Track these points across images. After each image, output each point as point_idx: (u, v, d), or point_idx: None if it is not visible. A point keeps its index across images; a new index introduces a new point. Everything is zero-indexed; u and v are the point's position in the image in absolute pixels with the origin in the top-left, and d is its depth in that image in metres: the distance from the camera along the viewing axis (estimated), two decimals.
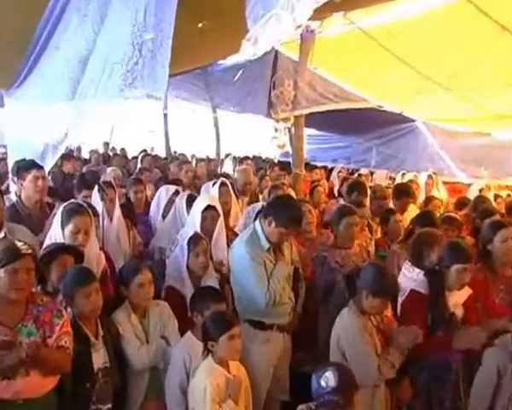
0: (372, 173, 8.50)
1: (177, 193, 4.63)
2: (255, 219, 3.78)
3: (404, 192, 5.32)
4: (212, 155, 11.44)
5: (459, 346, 3.02)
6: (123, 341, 2.94)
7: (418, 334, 2.87)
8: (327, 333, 3.08)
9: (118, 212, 4.10)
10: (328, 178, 8.49)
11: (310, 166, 8.18)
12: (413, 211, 5.18)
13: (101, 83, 3.35)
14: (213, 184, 4.67)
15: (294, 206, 3.42)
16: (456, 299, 3.15)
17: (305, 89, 6.26)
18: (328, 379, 2.18)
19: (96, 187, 4.00)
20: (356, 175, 7.97)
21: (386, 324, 3.07)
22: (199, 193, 4.94)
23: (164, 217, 4.54)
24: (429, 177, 6.78)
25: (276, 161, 10.69)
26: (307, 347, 3.89)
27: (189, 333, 2.99)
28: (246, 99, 7.99)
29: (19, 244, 2.44)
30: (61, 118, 3.82)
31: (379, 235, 4.88)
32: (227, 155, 10.34)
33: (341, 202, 5.78)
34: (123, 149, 12.44)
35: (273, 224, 3.30)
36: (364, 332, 2.86)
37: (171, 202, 4.57)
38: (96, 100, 3.38)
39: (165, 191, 4.72)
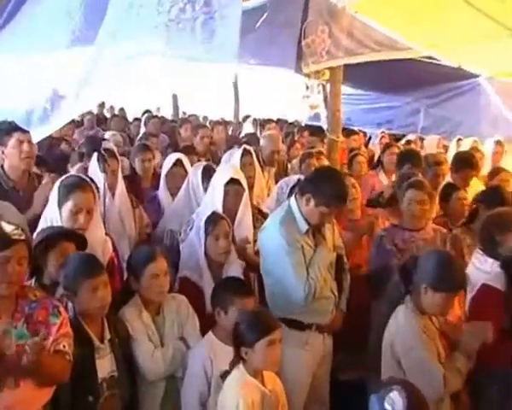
0: (422, 140, 8.26)
1: (179, 164, 4.62)
2: (289, 196, 3.78)
3: (465, 162, 5.19)
4: (228, 118, 11.32)
5: None
6: (133, 344, 2.88)
7: (487, 329, 2.79)
8: (378, 335, 3.00)
9: (121, 186, 4.09)
10: (366, 145, 8.34)
11: (347, 131, 8.02)
12: (476, 186, 5.02)
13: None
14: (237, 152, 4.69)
15: (338, 180, 3.36)
16: None
17: (341, 37, 6.07)
18: (395, 402, 2.05)
19: (95, 156, 3.92)
20: (403, 142, 7.81)
21: (451, 326, 3.00)
22: (215, 163, 4.91)
23: (172, 194, 4.55)
24: (497, 144, 6.57)
25: (303, 124, 10.57)
26: (350, 348, 3.88)
27: (209, 334, 2.97)
28: (269, 49, 7.77)
29: (8, 228, 2.34)
30: (56, 72, 3.67)
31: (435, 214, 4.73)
32: (246, 118, 10.23)
33: (382, 173, 5.65)
34: (122, 110, 12.38)
35: (312, 202, 3.29)
36: (425, 336, 2.77)
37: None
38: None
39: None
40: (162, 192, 4.60)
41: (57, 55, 3.59)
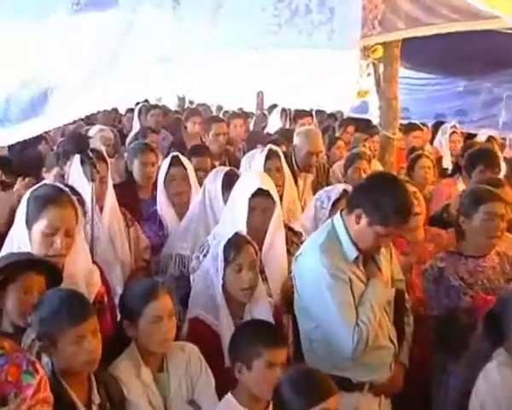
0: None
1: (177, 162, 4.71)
2: (332, 211, 3.85)
3: None
4: (249, 107, 11.38)
5: None
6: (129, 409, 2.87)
7: None
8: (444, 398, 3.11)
9: (111, 198, 4.12)
10: (430, 143, 8.30)
11: (405, 126, 7.96)
12: None
13: None
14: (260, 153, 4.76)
15: (400, 189, 3.34)
16: None
17: (401, 1, 6.02)
18: None
19: (78, 159, 3.97)
20: (483, 139, 7.76)
21: None
22: (234, 167, 4.97)
23: (175, 206, 4.58)
24: None
25: (345, 116, 10.57)
26: None
27: (228, 396, 2.97)
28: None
29: None
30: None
31: None
32: (272, 108, 10.25)
33: (461, 182, 5.61)
34: None
35: (364, 220, 3.28)
36: None
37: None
38: None
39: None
40: (163, 205, 4.65)
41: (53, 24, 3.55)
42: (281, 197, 4.52)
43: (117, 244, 4.06)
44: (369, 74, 6.48)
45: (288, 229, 4.20)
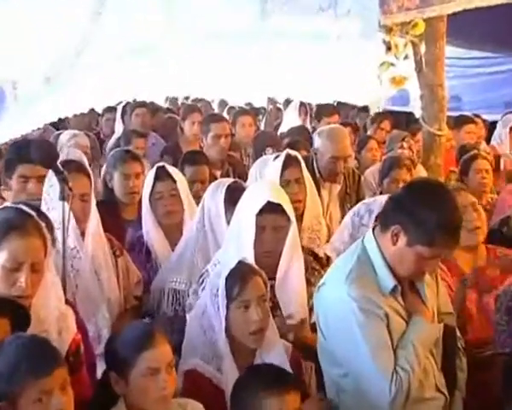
0: None
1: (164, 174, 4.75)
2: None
3: None
4: (259, 102, 11.43)
5: None
6: None
7: None
8: None
9: (95, 221, 4.19)
10: (487, 141, 8.33)
11: (456, 119, 7.95)
12: None
13: None
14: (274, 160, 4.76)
15: (446, 200, 3.36)
16: None
17: None
18: None
19: (50, 174, 4.00)
20: None
21: None
22: (241, 178, 5.07)
23: (164, 228, 4.66)
24: None
25: (380, 110, 10.59)
26: None
27: None
28: None
29: None
30: None
31: None
32: (288, 102, 10.29)
33: None
34: None
35: (403, 239, 3.30)
36: None
37: None
38: None
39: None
40: (150, 229, 4.70)
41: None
42: (301, 215, 4.61)
43: (103, 278, 4.12)
44: (406, 57, 6.48)
45: (312, 255, 4.25)
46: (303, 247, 4.27)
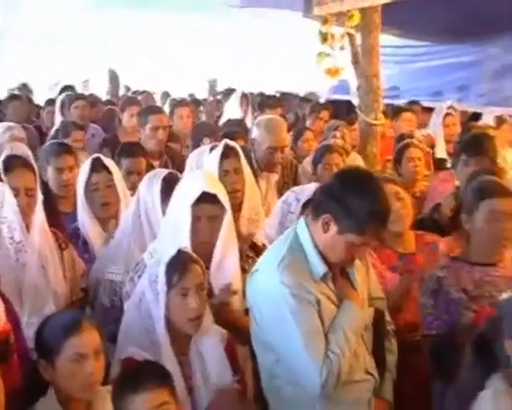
0: None
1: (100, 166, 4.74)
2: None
3: None
4: (202, 94, 11.43)
5: None
6: None
7: None
8: None
9: (40, 214, 4.18)
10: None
11: (393, 108, 8.06)
12: None
13: None
14: (211, 151, 4.74)
15: (374, 189, 3.40)
16: None
17: None
18: None
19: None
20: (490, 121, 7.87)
21: None
22: (179, 168, 5.05)
23: (101, 220, 4.66)
24: None
25: (322, 100, 10.65)
26: None
27: None
28: None
29: None
30: None
31: None
32: (229, 92, 10.29)
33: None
34: (24, 86, 12.41)
35: (333, 227, 3.34)
36: None
37: None
38: None
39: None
40: (85, 221, 4.68)
41: None
42: (240, 204, 4.59)
43: (49, 271, 4.08)
44: (342, 47, 6.53)
45: (250, 244, 4.30)
46: (241, 235, 4.32)
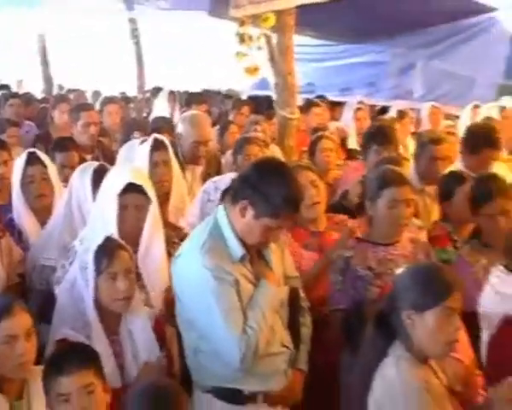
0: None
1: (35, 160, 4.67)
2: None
3: (483, 139, 5.37)
4: (132, 91, 11.35)
5: None
6: None
7: None
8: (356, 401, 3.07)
9: None
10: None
11: (305, 103, 8.13)
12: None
13: None
14: (141, 144, 4.77)
15: (287, 177, 3.43)
16: None
17: None
18: None
19: None
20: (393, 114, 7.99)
21: (462, 381, 3.07)
22: (110, 161, 5.03)
23: (36, 211, 4.58)
24: None
25: (244, 97, 10.68)
26: None
27: None
28: None
29: None
30: None
31: (434, 218, 4.98)
32: (157, 90, 10.25)
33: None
34: None
35: (250, 212, 3.36)
36: (428, 395, 2.82)
37: None
38: None
39: None
40: (20, 212, 4.61)
41: None
42: (168, 194, 4.63)
43: None
44: (260, 47, 6.54)
45: (175, 230, 4.28)
46: (168, 222, 4.35)
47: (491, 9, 8.71)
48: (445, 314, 2.87)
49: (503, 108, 7.35)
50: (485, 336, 3.40)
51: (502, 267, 3.55)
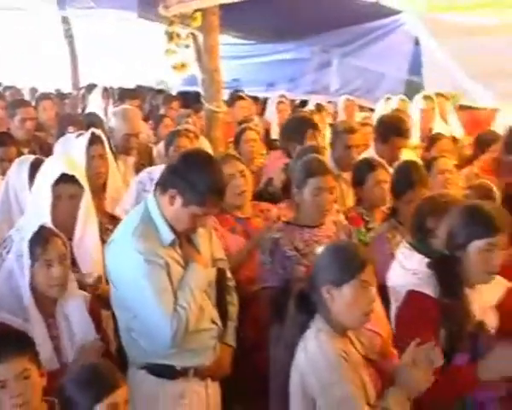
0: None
1: None
2: None
3: (392, 129, 5.46)
4: (67, 88, 11.17)
5: (488, 375, 3.07)
6: None
7: (436, 354, 2.90)
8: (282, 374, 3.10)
9: None
10: (261, 114, 8.57)
11: (230, 97, 8.12)
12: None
13: None
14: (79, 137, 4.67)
15: (212, 167, 3.44)
16: (485, 298, 3.22)
17: None
18: None
19: None
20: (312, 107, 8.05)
21: (380, 352, 3.14)
22: (46, 154, 4.90)
23: None
24: (426, 99, 7.03)
25: (173, 92, 10.61)
26: (247, 397, 4.08)
27: None
28: None
29: None
30: None
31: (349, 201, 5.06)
32: (91, 87, 10.12)
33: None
34: None
35: (178, 201, 3.35)
36: (346, 364, 2.86)
37: None
38: None
39: None
40: None
41: None
42: (104, 185, 4.60)
43: None
44: (188, 46, 6.50)
45: (109, 219, 4.25)
46: (105, 211, 4.34)
47: (396, 12, 8.90)
48: (360, 287, 2.90)
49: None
50: (393, 308, 3.43)
51: (407, 245, 3.61)
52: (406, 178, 4.43)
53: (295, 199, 4.23)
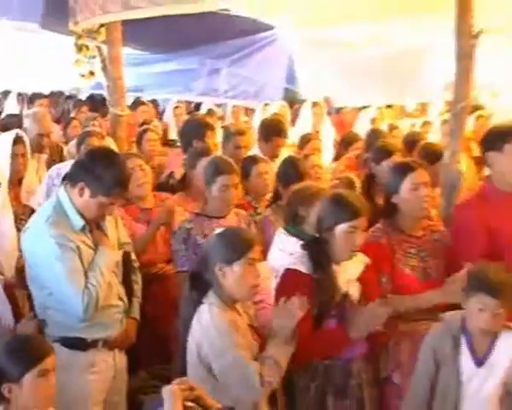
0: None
1: None
2: None
3: (272, 130, 5.54)
4: None
5: (357, 334, 3.19)
6: None
7: (294, 304, 2.97)
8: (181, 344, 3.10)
9: None
10: (161, 118, 8.54)
11: (133, 103, 8.08)
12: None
13: None
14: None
15: (115, 161, 3.43)
16: (349, 273, 3.31)
17: None
18: None
19: None
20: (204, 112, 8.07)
21: (261, 321, 3.19)
22: None
23: None
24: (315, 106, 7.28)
25: (83, 98, 10.40)
26: (152, 365, 4.08)
27: None
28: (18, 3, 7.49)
29: None
30: None
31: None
32: (7, 93, 9.81)
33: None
34: None
35: (87, 192, 3.33)
36: (236, 333, 2.92)
37: None
38: None
39: None
40: None
41: None
42: (21, 180, 4.54)
43: None
44: (94, 56, 6.38)
45: (25, 209, 4.16)
46: (21, 203, 4.27)
47: (270, 27, 8.98)
48: (248, 264, 2.95)
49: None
50: (273, 284, 3.46)
51: (283, 230, 3.69)
52: (294, 170, 4.49)
53: (205, 193, 4.18)
